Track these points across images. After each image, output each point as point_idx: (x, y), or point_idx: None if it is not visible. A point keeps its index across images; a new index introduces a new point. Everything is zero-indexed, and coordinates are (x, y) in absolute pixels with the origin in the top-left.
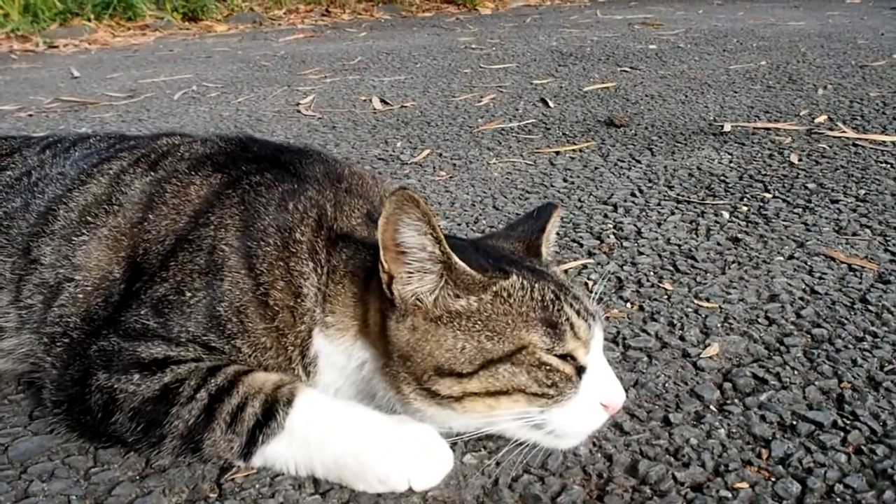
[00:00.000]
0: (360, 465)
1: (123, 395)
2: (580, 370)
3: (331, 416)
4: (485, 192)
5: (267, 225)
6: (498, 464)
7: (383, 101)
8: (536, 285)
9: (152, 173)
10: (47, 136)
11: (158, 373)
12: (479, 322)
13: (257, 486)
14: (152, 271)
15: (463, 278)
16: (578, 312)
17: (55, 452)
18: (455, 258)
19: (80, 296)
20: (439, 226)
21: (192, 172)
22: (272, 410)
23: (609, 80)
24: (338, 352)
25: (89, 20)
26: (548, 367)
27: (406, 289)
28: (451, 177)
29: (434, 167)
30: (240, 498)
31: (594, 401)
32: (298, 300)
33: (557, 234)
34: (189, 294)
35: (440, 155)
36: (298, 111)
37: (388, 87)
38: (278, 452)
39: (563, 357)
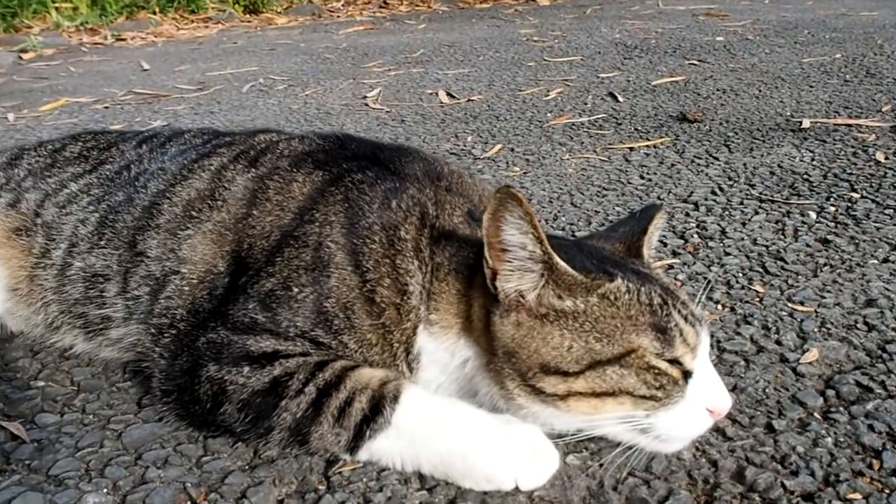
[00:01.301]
0: (468, 463)
1: (233, 386)
2: (686, 375)
3: (437, 414)
4: (561, 189)
5: (372, 222)
6: (602, 465)
7: (450, 95)
8: (643, 288)
9: (253, 170)
10: (142, 132)
11: (268, 366)
12: (586, 323)
13: (364, 479)
14: (258, 266)
15: (565, 279)
16: (686, 318)
17: (167, 440)
18: (556, 258)
19: (186, 288)
20: (541, 225)
21: (294, 169)
22: (379, 406)
23: (678, 74)
24: (441, 349)
25: (154, 13)
26: (656, 371)
27: (508, 285)
28: (524, 172)
29: (507, 162)
30: (348, 491)
31: (700, 406)
32: (404, 297)
33: None
34: (296, 289)
35: (512, 150)
36: (366, 104)
37: (452, 80)
38: (385, 447)
39: (671, 361)
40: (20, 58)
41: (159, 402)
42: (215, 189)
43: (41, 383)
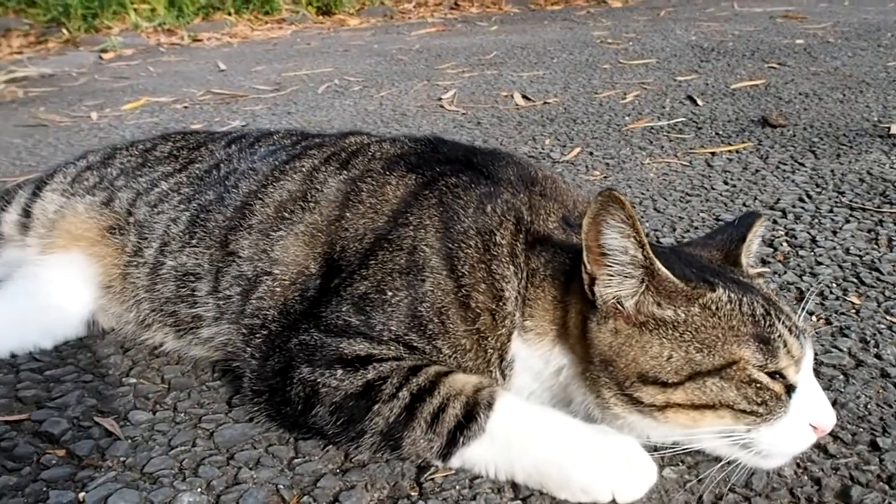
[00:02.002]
0: (564, 474)
1: (326, 389)
2: (789, 389)
3: (532, 422)
4: (643, 194)
5: (467, 227)
6: (700, 480)
7: (525, 97)
8: (745, 298)
9: (345, 172)
10: (230, 132)
11: (361, 369)
12: (687, 333)
13: (457, 487)
14: (351, 269)
15: (666, 286)
16: (790, 329)
17: (258, 441)
18: (658, 264)
19: (278, 289)
20: (643, 230)
21: (387, 172)
22: (473, 413)
23: (757, 77)
24: (535, 356)
25: (230, 14)
26: (758, 385)
27: (606, 291)
28: (605, 176)
29: (587, 166)
30: (441, 498)
31: (804, 422)
32: (499, 303)
33: None
34: (390, 293)
35: (591, 153)
36: (441, 106)
37: (527, 82)
38: (478, 455)
39: (773, 374)
40: (101, 58)
41: (250, 402)
42: (307, 190)
43: (133, 380)
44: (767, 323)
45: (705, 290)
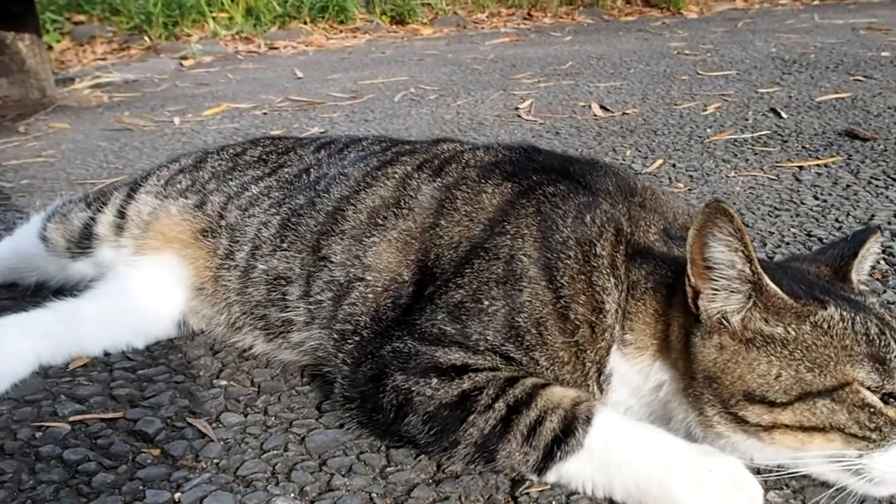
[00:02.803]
0: (666, 493)
1: (420, 397)
2: None
3: (632, 439)
4: None
5: (566, 237)
6: None
7: (603, 108)
8: (858, 317)
9: (439, 179)
10: (319, 137)
11: (456, 379)
12: (797, 351)
13: (553, 502)
14: (446, 277)
15: (774, 302)
16: None
17: (349, 448)
18: (766, 280)
19: (371, 295)
20: (752, 243)
21: (483, 180)
22: (571, 427)
23: (843, 90)
24: (634, 371)
25: (305, 23)
26: (871, 409)
27: (711, 306)
28: (689, 189)
29: (670, 178)
30: None
31: None
32: (599, 316)
33: None
34: (487, 302)
35: (674, 166)
36: (518, 115)
37: (604, 92)
38: (575, 470)
39: (888, 397)
40: (181, 64)
41: (341, 408)
42: (401, 197)
43: (223, 382)
44: (883, 343)
45: (816, 308)
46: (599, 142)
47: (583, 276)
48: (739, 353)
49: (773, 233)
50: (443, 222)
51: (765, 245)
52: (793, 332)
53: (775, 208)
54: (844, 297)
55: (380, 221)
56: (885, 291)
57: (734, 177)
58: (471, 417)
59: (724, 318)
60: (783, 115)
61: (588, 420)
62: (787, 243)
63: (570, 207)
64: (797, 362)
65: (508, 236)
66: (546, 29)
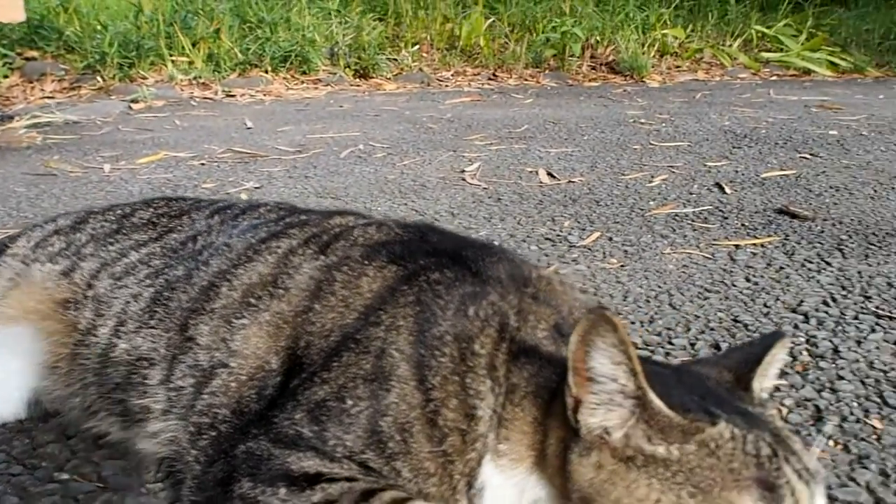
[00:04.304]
0: None
1: None
2: None
3: None
4: (660, 287)
5: (444, 332)
6: None
7: (550, 175)
8: (750, 436)
9: (322, 257)
10: (218, 201)
11: (308, 489)
12: (680, 473)
13: None
14: (313, 369)
15: (659, 420)
16: (800, 474)
17: None
18: (651, 395)
19: (234, 385)
20: (637, 355)
21: (366, 261)
22: None
23: (788, 167)
24: (508, 485)
25: (266, 72)
26: None
27: (591, 420)
28: (622, 265)
29: (604, 253)
30: None
31: None
32: (471, 423)
33: None
34: (350, 402)
35: (610, 239)
36: (463, 179)
37: (554, 158)
38: None
39: None
40: (130, 107)
41: None
42: (279, 275)
43: (66, 476)
44: (774, 466)
45: (705, 425)
46: (540, 210)
47: (456, 377)
48: (618, 473)
49: (699, 317)
50: (317, 306)
51: (688, 330)
52: (676, 452)
53: (705, 290)
54: (740, 411)
55: (253, 301)
56: (804, 386)
57: (669, 254)
58: None
59: (605, 432)
60: (727, 190)
61: None
62: (713, 329)
63: (454, 297)
64: (679, 486)
65: (382, 328)
66: (509, 90)
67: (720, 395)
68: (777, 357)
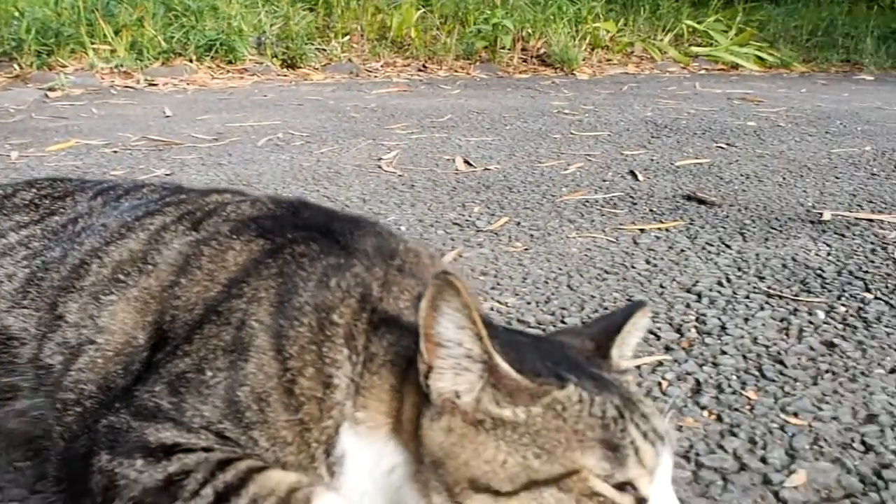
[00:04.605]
0: None
1: (124, 481)
2: (641, 502)
3: None
4: (560, 269)
5: (304, 302)
6: None
7: (467, 162)
8: (597, 398)
9: (194, 233)
10: (103, 182)
11: (164, 460)
12: (526, 435)
13: None
14: (176, 343)
15: (507, 383)
16: (645, 434)
17: None
18: (497, 359)
19: (100, 361)
20: (480, 319)
21: (234, 236)
22: None
23: (703, 156)
24: (367, 452)
25: (191, 61)
26: (600, 499)
27: (440, 385)
28: (526, 249)
29: (510, 237)
30: None
31: None
32: (328, 391)
33: None
34: (210, 373)
35: (518, 224)
36: (379, 166)
37: (474, 147)
38: None
39: (622, 486)
40: (46, 96)
41: (50, 489)
42: (149, 251)
43: None
44: (619, 427)
45: (553, 388)
46: (452, 197)
47: (313, 347)
48: (468, 436)
49: (594, 297)
50: (183, 281)
51: (582, 309)
52: (522, 415)
53: (605, 272)
54: (593, 376)
55: (122, 278)
56: (686, 361)
57: (574, 238)
58: None
59: (454, 398)
60: (640, 177)
61: None
62: (606, 308)
63: (317, 269)
64: (525, 448)
65: (244, 299)
66: (438, 81)
67: (577, 361)
68: (637, 325)
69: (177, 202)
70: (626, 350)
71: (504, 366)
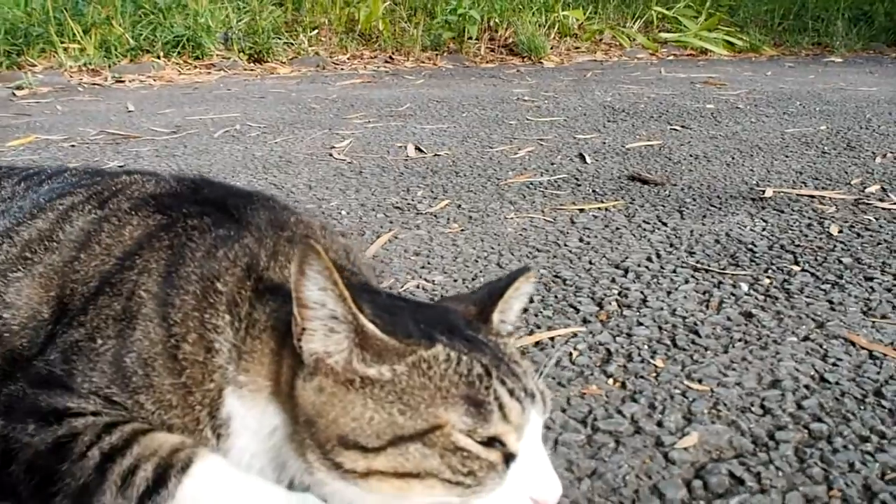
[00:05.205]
0: None
1: (17, 444)
2: (509, 458)
3: (225, 489)
4: (492, 249)
5: (190, 272)
6: None
7: (418, 149)
8: (465, 358)
9: (98, 211)
10: (28, 168)
11: (54, 424)
12: (392, 393)
13: None
14: (73, 314)
15: (373, 343)
16: (512, 392)
17: None
18: (363, 320)
19: (6, 335)
20: (342, 281)
21: (133, 212)
22: (164, 476)
23: (655, 138)
24: (250, 414)
25: (159, 57)
26: (464, 453)
27: (310, 346)
28: (462, 229)
29: (448, 219)
30: None
31: (522, 495)
32: (209, 355)
33: (555, 297)
34: (100, 341)
35: (459, 206)
36: (330, 155)
37: (428, 134)
38: None
39: (489, 442)
40: (14, 94)
41: None
42: (55, 230)
43: None
44: (483, 384)
45: (418, 347)
46: (398, 182)
47: (196, 314)
48: (337, 395)
49: None
50: (83, 256)
51: None
52: (388, 373)
53: (536, 249)
54: (467, 338)
55: (29, 255)
56: (601, 332)
57: (512, 218)
58: (65, 466)
59: (325, 358)
60: (588, 160)
61: (185, 469)
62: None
63: (205, 241)
64: (391, 404)
65: (136, 271)
66: (404, 72)
67: (455, 324)
68: (521, 290)
69: (90, 183)
70: (509, 315)
71: (370, 326)
